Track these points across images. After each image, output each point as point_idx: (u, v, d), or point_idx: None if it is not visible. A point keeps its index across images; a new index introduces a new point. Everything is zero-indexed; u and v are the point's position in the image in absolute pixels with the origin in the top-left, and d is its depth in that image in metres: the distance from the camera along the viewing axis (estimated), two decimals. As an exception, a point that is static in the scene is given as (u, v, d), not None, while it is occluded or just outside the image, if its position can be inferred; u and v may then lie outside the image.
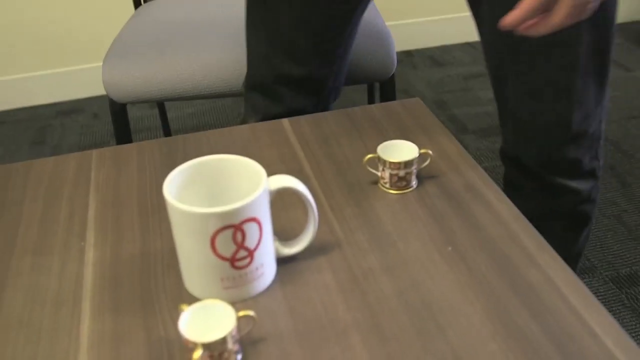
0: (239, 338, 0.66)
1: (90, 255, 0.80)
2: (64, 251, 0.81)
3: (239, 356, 0.66)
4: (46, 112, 2.62)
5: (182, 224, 0.70)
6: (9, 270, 0.78)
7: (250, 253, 0.71)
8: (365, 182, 0.91)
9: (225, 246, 0.70)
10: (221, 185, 0.77)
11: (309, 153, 0.97)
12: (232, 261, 0.71)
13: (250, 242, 0.71)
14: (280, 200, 0.88)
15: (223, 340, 0.63)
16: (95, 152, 1.00)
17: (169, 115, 2.55)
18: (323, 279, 0.75)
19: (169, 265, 0.78)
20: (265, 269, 0.74)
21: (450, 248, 0.78)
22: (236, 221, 0.69)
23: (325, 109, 1.22)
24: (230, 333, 0.63)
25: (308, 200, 0.74)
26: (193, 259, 0.72)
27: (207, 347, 0.62)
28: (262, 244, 0.72)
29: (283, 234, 0.82)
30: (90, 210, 0.88)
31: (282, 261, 0.77)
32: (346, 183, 0.90)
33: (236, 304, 0.72)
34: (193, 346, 0.62)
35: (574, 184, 1.10)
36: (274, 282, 0.75)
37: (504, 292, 0.72)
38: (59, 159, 0.99)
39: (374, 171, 0.90)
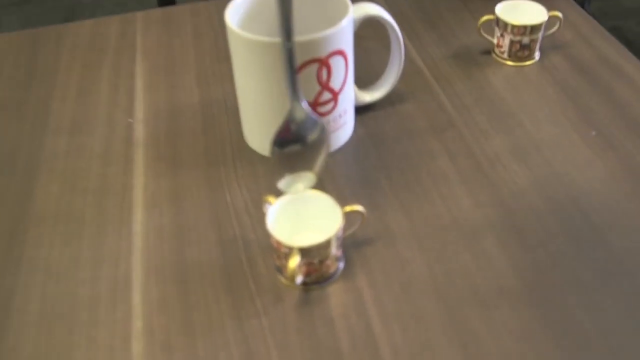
0: (342, 248, 0.50)
1: (139, 133, 0.65)
2: (108, 129, 0.66)
3: (341, 264, 0.50)
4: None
5: (253, 61, 0.54)
6: (42, 151, 0.64)
7: (335, 95, 0.56)
8: (475, 51, 0.72)
9: (308, 87, 0.54)
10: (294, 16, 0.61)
11: (405, 23, 0.79)
12: (314, 106, 0.56)
13: (336, 82, 0.56)
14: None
15: (326, 245, 0.47)
16: (140, 15, 0.83)
17: None
18: (438, 165, 0.58)
19: (234, 122, 0.62)
20: (347, 117, 0.59)
21: (594, 132, 0.61)
22: (323, 54, 0.53)
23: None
24: (335, 235, 0.47)
25: (393, 29, 0.60)
26: (265, 107, 0.56)
27: (306, 253, 0.47)
28: (347, 85, 0.57)
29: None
30: (138, 80, 0.72)
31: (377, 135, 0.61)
32: (452, 52, 0.72)
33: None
34: (287, 251, 0.47)
35: None
36: (357, 141, 0.60)
37: (677, 188, 0.55)
38: (98, 22, 0.82)
39: (488, 37, 0.72)
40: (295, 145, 0.51)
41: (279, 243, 0.47)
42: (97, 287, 0.51)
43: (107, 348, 0.46)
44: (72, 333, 0.48)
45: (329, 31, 0.52)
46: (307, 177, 0.50)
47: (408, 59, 0.70)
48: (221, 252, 0.52)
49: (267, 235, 0.49)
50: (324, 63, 0.53)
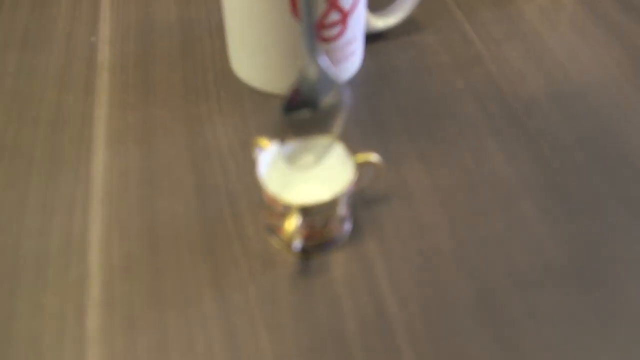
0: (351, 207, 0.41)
1: (104, 55, 0.54)
2: (67, 48, 0.55)
3: (348, 226, 0.41)
4: None
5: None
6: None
7: (344, 17, 0.46)
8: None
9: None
10: None
11: None
12: (319, 28, 0.45)
13: (346, 0, 0.45)
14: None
15: (333, 204, 0.37)
16: None
17: None
18: (464, 110, 0.49)
19: (219, 45, 0.52)
20: (357, 45, 0.50)
21: (644, 79, 0.52)
22: None
23: None
24: (344, 192, 0.38)
25: None
26: (259, 28, 0.46)
27: (307, 213, 0.37)
28: (359, 5, 0.47)
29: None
30: (104, -11, 0.60)
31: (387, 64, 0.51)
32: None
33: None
34: (284, 210, 0.37)
35: None
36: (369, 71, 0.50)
37: None
38: None
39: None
40: (305, 109, 0.41)
41: (273, 199, 0.37)
42: (46, 241, 0.41)
43: (57, 318, 0.37)
44: (14, 295, 0.38)
45: None
46: (319, 147, 0.40)
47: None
48: (200, 204, 0.43)
49: (257, 186, 0.39)
50: (334, -25, 0.43)
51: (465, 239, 0.41)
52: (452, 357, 0.35)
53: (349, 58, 0.49)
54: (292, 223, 0.36)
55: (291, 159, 0.40)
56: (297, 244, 0.38)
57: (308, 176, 0.42)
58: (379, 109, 0.49)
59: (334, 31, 0.46)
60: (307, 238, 0.39)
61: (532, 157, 0.45)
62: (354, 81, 0.51)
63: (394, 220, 0.42)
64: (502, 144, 0.46)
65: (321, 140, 0.39)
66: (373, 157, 0.39)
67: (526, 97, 0.49)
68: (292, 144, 0.39)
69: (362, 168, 0.40)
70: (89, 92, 0.50)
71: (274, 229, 0.40)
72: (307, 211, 0.37)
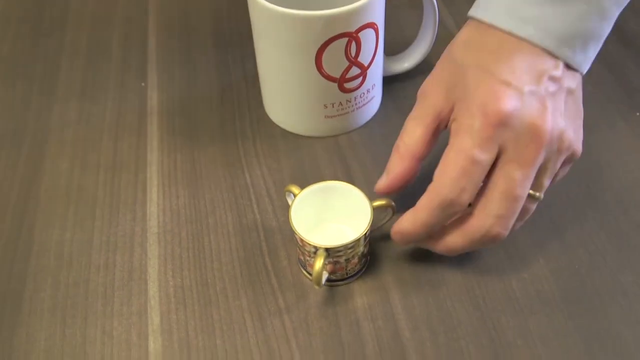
0: (368, 245, 0.47)
1: (153, 101, 0.61)
2: (120, 95, 0.62)
3: (366, 258, 0.48)
4: None
5: (277, 35, 0.49)
6: (51, 120, 0.60)
7: (364, 70, 0.52)
8: None
9: (335, 63, 0.50)
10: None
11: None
12: (341, 82, 0.52)
13: (365, 56, 0.52)
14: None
15: (354, 244, 0.44)
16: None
17: None
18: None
19: (254, 91, 0.58)
20: (375, 91, 0.56)
21: (639, 113, 0.57)
22: (352, 28, 0.48)
23: None
24: (364, 234, 0.44)
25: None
26: (289, 82, 0.52)
27: (332, 253, 0.44)
28: (377, 59, 0.53)
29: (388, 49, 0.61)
30: (151, 37, 0.67)
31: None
32: None
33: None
34: (312, 249, 0.44)
35: None
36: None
37: None
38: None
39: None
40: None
41: (303, 241, 0.44)
42: (111, 275, 0.48)
43: (124, 343, 0.45)
44: (86, 324, 0.46)
45: (359, 3, 0.48)
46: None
47: (442, 24, 0.65)
48: (241, 240, 0.50)
49: (289, 223, 0.46)
50: (353, 37, 0.49)
51: (469, 269, 0.47)
52: (457, 376, 0.42)
53: (369, 103, 0.56)
54: (319, 263, 0.43)
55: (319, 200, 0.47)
56: (324, 278, 0.45)
57: (335, 216, 0.48)
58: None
59: (355, 83, 0.53)
60: (332, 272, 0.45)
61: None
62: (373, 121, 0.57)
63: (408, 254, 0.48)
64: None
65: (341, 184, 0.46)
66: (388, 201, 0.46)
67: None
68: (317, 187, 0.46)
69: (379, 209, 0.46)
70: (141, 137, 0.58)
71: (304, 264, 0.46)
72: (331, 251, 0.44)
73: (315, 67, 0.50)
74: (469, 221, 0.42)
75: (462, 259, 0.47)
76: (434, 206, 0.41)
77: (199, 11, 0.70)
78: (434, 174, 0.42)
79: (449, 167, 0.41)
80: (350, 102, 0.54)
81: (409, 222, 0.43)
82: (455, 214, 0.42)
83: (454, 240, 0.43)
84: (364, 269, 0.47)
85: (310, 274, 0.46)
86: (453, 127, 0.42)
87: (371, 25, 0.50)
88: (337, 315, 0.45)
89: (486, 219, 0.41)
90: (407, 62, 0.59)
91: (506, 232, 0.42)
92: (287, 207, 0.49)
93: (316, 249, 0.44)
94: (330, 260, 0.44)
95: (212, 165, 0.55)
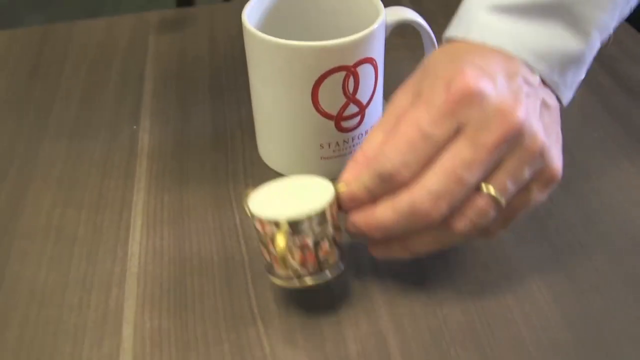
0: (341, 233, 0.42)
1: (144, 143, 0.59)
2: (111, 136, 0.60)
3: (341, 264, 0.42)
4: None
5: (273, 67, 0.48)
6: (39, 156, 0.58)
7: (362, 109, 0.50)
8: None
9: (332, 98, 0.48)
10: (315, 19, 0.55)
11: (435, 26, 0.73)
12: (338, 120, 0.49)
13: (364, 94, 0.50)
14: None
15: (321, 218, 0.39)
16: (155, 15, 0.78)
17: None
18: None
19: (248, 137, 0.56)
20: None
21: None
22: (349, 61, 0.47)
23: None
24: (329, 205, 0.40)
25: (429, 37, 0.54)
26: (285, 120, 0.50)
27: (296, 228, 0.39)
28: (375, 98, 0.51)
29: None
30: (147, 83, 0.66)
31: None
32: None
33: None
34: (273, 230, 0.39)
35: None
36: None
37: None
38: (110, 21, 0.77)
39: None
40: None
41: (262, 222, 0.40)
42: (84, 315, 0.44)
43: (90, 390, 0.40)
44: (52, 369, 0.42)
45: (358, 35, 0.46)
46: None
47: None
48: (226, 283, 0.46)
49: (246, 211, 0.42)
50: (351, 72, 0.47)
51: (475, 315, 0.43)
52: None
53: (367, 146, 0.53)
54: (283, 239, 0.38)
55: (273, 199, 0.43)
56: (293, 264, 0.40)
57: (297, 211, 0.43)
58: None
59: (352, 123, 0.50)
60: (302, 263, 0.40)
61: (539, 236, 0.48)
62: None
63: (408, 297, 0.44)
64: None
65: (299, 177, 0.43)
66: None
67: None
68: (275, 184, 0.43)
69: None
70: (129, 177, 0.55)
71: (272, 266, 0.41)
72: (295, 226, 0.39)
73: (311, 103, 0.48)
74: (401, 192, 0.38)
75: (468, 303, 0.43)
76: (372, 174, 0.38)
77: (196, 59, 0.69)
78: None
79: (397, 138, 0.37)
80: (347, 142, 0.51)
81: (348, 186, 0.40)
82: (392, 191, 0.38)
83: (383, 211, 0.38)
84: (339, 266, 0.42)
85: (282, 278, 0.41)
86: (413, 101, 0.39)
87: (369, 60, 0.48)
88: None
89: (419, 190, 0.37)
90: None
91: (438, 215, 0.37)
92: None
93: (277, 224, 0.39)
94: (297, 242, 0.40)
95: (200, 206, 0.52)
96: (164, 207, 0.52)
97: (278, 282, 0.42)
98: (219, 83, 0.66)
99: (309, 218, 0.39)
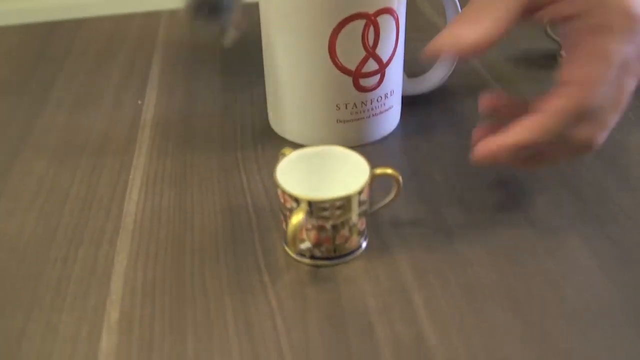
0: (368, 213, 0.39)
1: (149, 114, 0.55)
2: (114, 110, 0.57)
3: (364, 243, 0.39)
4: None
5: (287, 17, 0.45)
6: (35, 127, 0.54)
7: (382, 67, 0.47)
8: (537, 55, 0.63)
9: (350, 51, 0.45)
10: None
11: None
12: (356, 77, 0.46)
13: (384, 48, 0.46)
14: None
15: (345, 204, 0.36)
16: (165, 12, 0.76)
17: None
18: (509, 168, 0.47)
19: (259, 109, 0.52)
20: (394, 100, 0.49)
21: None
22: (370, 9, 0.44)
23: None
24: (358, 193, 0.36)
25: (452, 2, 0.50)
26: (299, 76, 0.47)
27: (317, 209, 0.36)
28: (396, 58, 0.48)
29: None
30: (154, 68, 0.63)
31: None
32: (512, 54, 0.63)
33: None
34: (294, 205, 0.36)
35: None
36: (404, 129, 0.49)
37: None
38: (119, 17, 0.75)
39: (556, 38, 0.62)
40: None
41: (284, 194, 0.36)
42: (69, 269, 0.40)
43: (70, 340, 0.35)
44: (28, 319, 0.36)
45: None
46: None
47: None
48: (231, 240, 0.41)
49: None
50: (371, 21, 0.44)
51: (510, 274, 0.38)
52: (500, 390, 0.31)
53: (386, 113, 0.50)
54: (297, 217, 0.35)
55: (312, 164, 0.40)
56: (305, 244, 0.37)
57: (328, 187, 0.40)
58: (417, 160, 0.48)
59: (371, 81, 0.47)
60: (316, 243, 0.37)
61: (581, 206, 0.43)
62: (392, 138, 0.51)
63: (434, 257, 0.39)
64: (545, 193, 0.44)
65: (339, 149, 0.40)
66: (393, 171, 0.38)
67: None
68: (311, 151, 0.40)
69: (383, 183, 0.39)
70: (130, 143, 0.51)
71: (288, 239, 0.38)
72: (315, 206, 0.36)
73: (328, 55, 0.45)
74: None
75: (501, 262, 0.38)
76: (569, 112, 0.35)
77: (207, 43, 0.66)
78: (561, 75, 0.35)
79: (593, 71, 0.34)
80: (365, 105, 0.48)
81: (527, 129, 0.35)
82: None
83: (538, 119, 0.35)
84: (357, 252, 0.39)
85: (298, 253, 0.38)
86: (581, 26, 0.35)
87: (390, 11, 0.45)
88: (343, 317, 0.35)
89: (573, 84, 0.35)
90: (427, 82, 0.54)
91: (593, 104, 0.35)
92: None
93: (298, 201, 0.36)
94: (314, 222, 0.36)
95: (205, 169, 0.48)
96: (165, 171, 0.48)
97: (292, 254, 0.39)
98: (230, 63, 0.63)
99: (332, 203, 0.36)
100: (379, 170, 0.38)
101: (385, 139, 0.50)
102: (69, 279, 0.39)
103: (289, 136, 0.50)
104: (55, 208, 0.45)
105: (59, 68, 0.64)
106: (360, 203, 0.37)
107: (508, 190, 0.45)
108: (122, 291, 0.38)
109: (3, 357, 0.34)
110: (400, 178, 0.39)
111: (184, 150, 0.50)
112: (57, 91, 0.59)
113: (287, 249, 0.39)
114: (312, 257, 0.38)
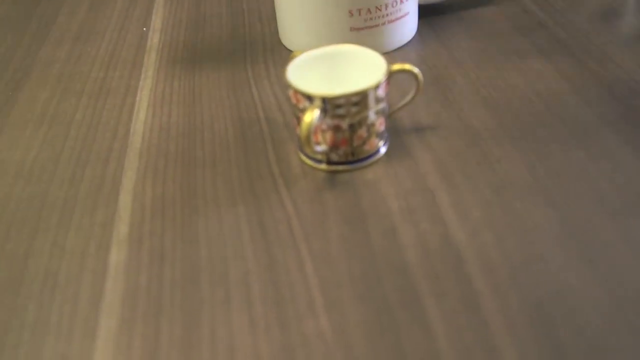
0: (387, 114, 0.37)
1: (154, 40, 0.53)
2: (118, 37, 0.55)
3: (383, 148, 0.37)
4: None
5: None
6: (37, 59, 0.52)
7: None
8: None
9: None
10: None
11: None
12: None
13: None
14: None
15: (361, 99, 0.33)
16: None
17: None
18: (529, 64, 0.44)
19: (269, 26, 0.50)
20: (409, 6, 0.46)
21: None
22: None
23: None
24: (374, 89, 0.34)
25: None
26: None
27: (331, 106, 0.33)
28: None
29: None
30: (158, -4, 0.61)
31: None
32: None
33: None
34: (305, 105, 0.34)
35: None
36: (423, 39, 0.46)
37: None
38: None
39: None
40: None
41: (296, 93, 0.34)
42: (76, 189, 0.38)
43: (78, 255, 0.33)
44: (34, 237, 0.35)
45: None
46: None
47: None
48: (243, 150, 0.39)
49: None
50: None
51: (541, 170, 0.35)
52: (533, 281, 0.29)
53: (402, 20, 0.46)
54: (312, 113, 0.33)
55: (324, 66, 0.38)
56: (320, 147, 0.35)
57: (344, 85, 0.38)
58: (437, 66, 0.45)
59: (386, -17, 0.44)
60: (333, 145, 0.35)
61: (608, 98, 0.40)
62: (409, 46, 0.48)
63: (459, 158, 0.37)
64: (573, 88, 0.41)
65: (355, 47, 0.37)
66: (411, 67, 0.36)
67: (597, 49, 0.45)
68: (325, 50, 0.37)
69: (401, 81, 0.37)
70: (135, 68, 0.49)
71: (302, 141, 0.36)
72: (329, 102, 0.33)
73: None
74: None
75: (532, 159, 0.36)
76: None
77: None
78: None
79: None
80: (380, 10, 0.45)
81: None
82: None
83: None
84: (376, 156, 0.36)
85: (311, 158, 0.36)
86: None
87: None
88: (365, 220, 0.33)
89: None
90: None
91: None
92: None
93: (311, 99, 0.33)
94: (330, 122, 0.34)
95: (215, 87, 0.46)
96: (173, 91, 0.46)
97: (307, 161, 0.37)
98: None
99: (348, 98, 0.33)
100: (396, 66, 0.36)
101: (401, 48, 0.48)
102: (75, 198, 0.37)
103: (303, 45, 0.48)
104: (60, 132, 0.43)
105: (59, 4, 0.61)
106: (378, 100, 0.34)
107: (534, 87, 0.42)
108: (131, 206, 0.36)
109: (10, 276, 0.33)
110: (420, 75, 0.36)
111: (192, 71, 0.48)
112: (59, 25, 0.57)
113: (302, 157, 0.37)
114: (329, 162, 0.36)
